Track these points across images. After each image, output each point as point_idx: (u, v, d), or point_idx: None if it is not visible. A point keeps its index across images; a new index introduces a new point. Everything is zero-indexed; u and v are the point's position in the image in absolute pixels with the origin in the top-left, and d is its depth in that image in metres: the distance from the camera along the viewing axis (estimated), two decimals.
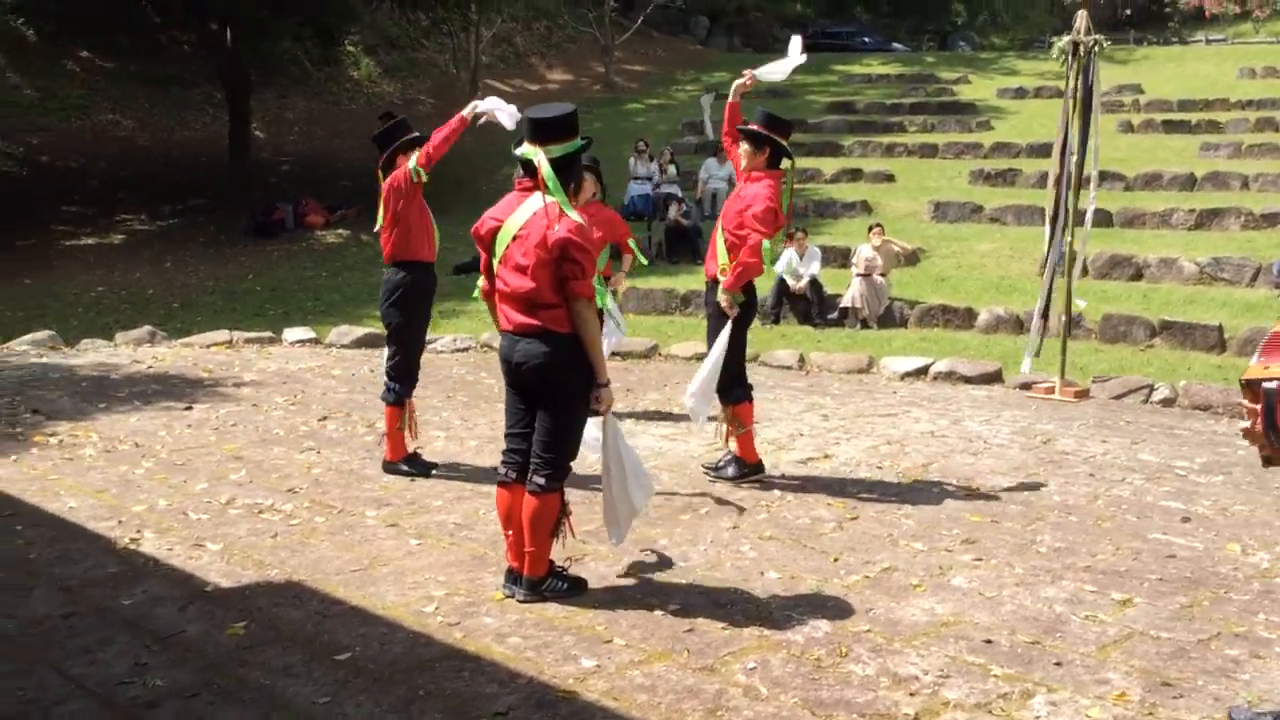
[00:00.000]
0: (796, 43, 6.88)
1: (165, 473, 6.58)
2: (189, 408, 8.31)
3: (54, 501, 5.96)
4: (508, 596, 4.65)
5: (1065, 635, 4.29)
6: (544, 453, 4.57)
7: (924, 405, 8.73)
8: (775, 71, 6.80)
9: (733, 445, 6.55)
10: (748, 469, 6.51)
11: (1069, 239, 9.39)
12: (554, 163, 4.48)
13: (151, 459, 6.87)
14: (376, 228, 6.60)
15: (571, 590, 4.69)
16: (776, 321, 13.47)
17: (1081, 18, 9.19)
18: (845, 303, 13.32)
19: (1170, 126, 22.14)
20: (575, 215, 4.44)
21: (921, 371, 10.05)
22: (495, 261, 4.63)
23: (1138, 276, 13.99)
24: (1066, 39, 9.31)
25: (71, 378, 9.40)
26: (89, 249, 19.13)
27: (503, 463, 4.74)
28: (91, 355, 10.64)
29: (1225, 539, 5.49)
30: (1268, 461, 3.36)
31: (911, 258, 15.12)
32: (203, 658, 4.09)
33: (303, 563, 5.08)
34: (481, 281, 4.95)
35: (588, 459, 5.02)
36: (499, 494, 4.73)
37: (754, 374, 10.07)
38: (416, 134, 6.61)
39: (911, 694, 3.79)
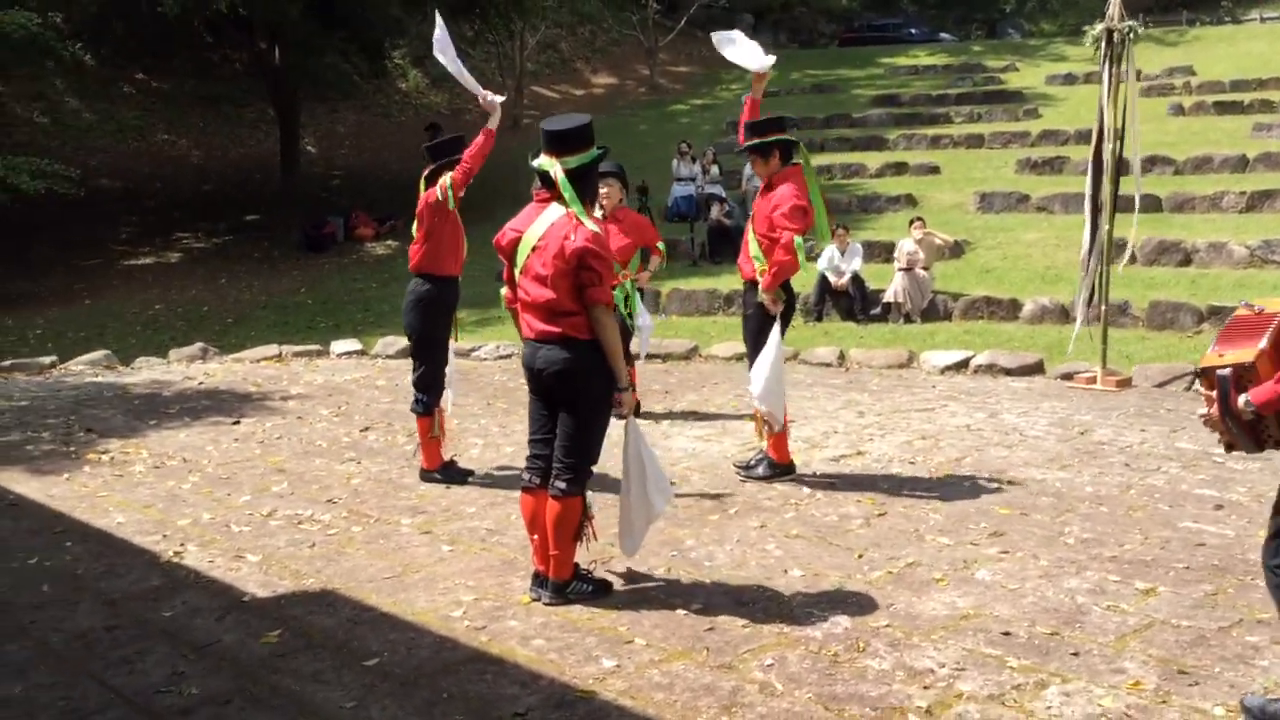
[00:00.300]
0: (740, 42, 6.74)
1: (210, 486, 6.77)
2: (236, 422, 8.52)
3: (102, 518, 6.16)
4: (534, 600, 4.75)
5: (1085, 626, 4.29)
6: (565, 457, 4.66)
7: (962, 399, 8.71)
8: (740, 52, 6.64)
9: (764, 444, 6.60)
10: (779, 469, 6.56)
11: (1107, 226, 9.29)
12: (570, 173, 4.57)
13: (198, 474, 7.06)
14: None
15: (596, 592, 4.77)
16: (819, 319, 13.48)
17: (1115, 4, 9.10)
18: (888, 298, 13.29)
19: (1222, 108, 21.77)
20: (591, 225, 4.51)
21: (962, 365, 10.01)
22: (517, 271, 4.73)
23: (1186, 262, 13.80)
24: (1100, 26, 9.21)
25: (125, 396, 9.67)
26: (147, 268, 19.59)
27: (526, 468, 4.83)
28: (145, 373, 10.92)
29: (1258, 525, 5.43)
30: (1229, 448, 3.37)
31: (955, 250, 15.03)
32: (237, 666, 4.23)
33: (338, 571, 5.21)
34: (505, 291, 5.05)
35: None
36: (523, 499, 4.83)
37: (793, 372, 10.14)
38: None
39: (925, 687, 3.83)
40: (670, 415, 8.42)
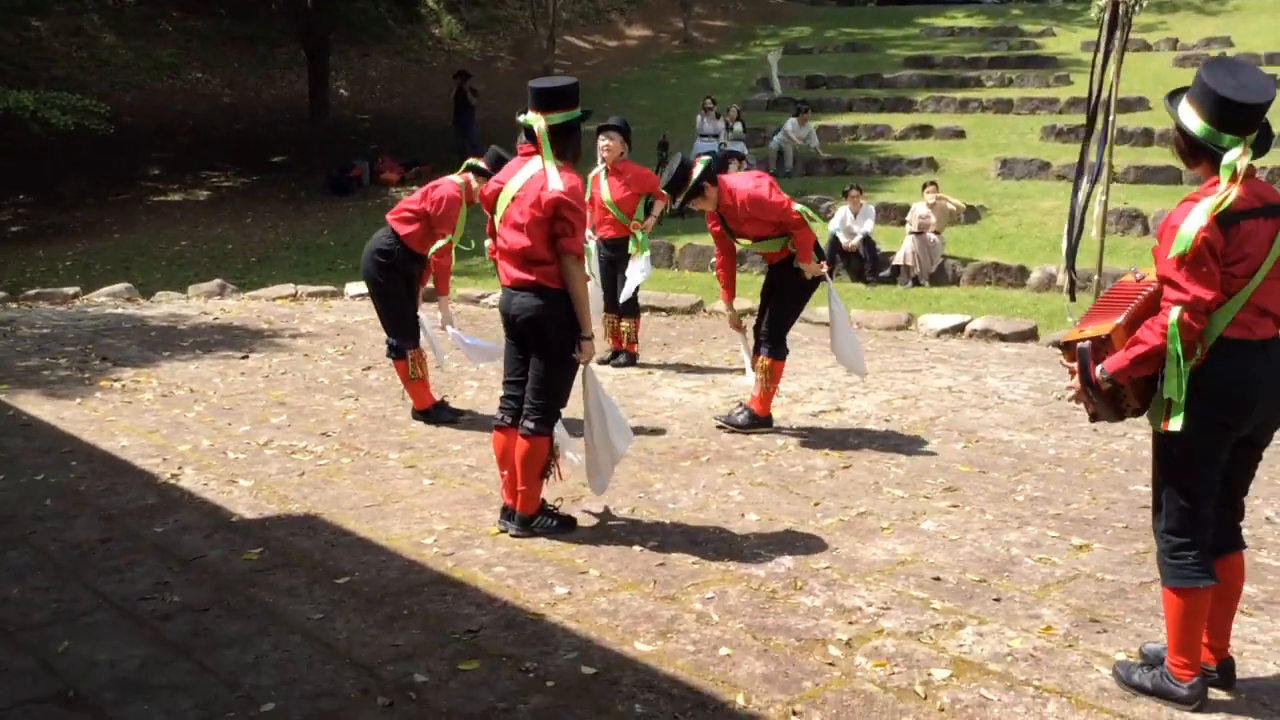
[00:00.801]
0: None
1: (213, 416, 7.09)
2: (245, 356, 8.85)
3: (108, 440, 6.50)
4: (501, 531, 5.04)
5: (1012, 575, 4.54)
6: (535, 399, 4.92)
7: (951, 362, 8.91)
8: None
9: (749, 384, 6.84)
10: (758, 421, 6.80)
11: (1103, 196, 9.40)
12: (553, 129, 4.80)
13: (203, 403, 7.39)
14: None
15: (561, 528, 5.06)
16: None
17: None
18: (897, 260, 13.43)
19: None
20: (562, 181, 4.73)
21: (958, 329, 10.19)
22: (497, 220, 4.97)
23: None
24: None
25: (142, 328, 10.02)
26: (175, 205, 19.95)
27: (500, 408, 5.11)
28: (164, 307, 11.28)
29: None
30: (1094, 418, 3.58)
31: (970, 215, 15.12)
32: (218, 579, 4.55)
33: (322, 499, 5.52)
34: (489, 242, 5.30)
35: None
36: (495, 436, 5.11)
37: (792, 330, 10.34)
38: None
39: (851, 622, 4.09)
40: (664, 366, 8.67)
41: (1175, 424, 3.30)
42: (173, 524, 5.16)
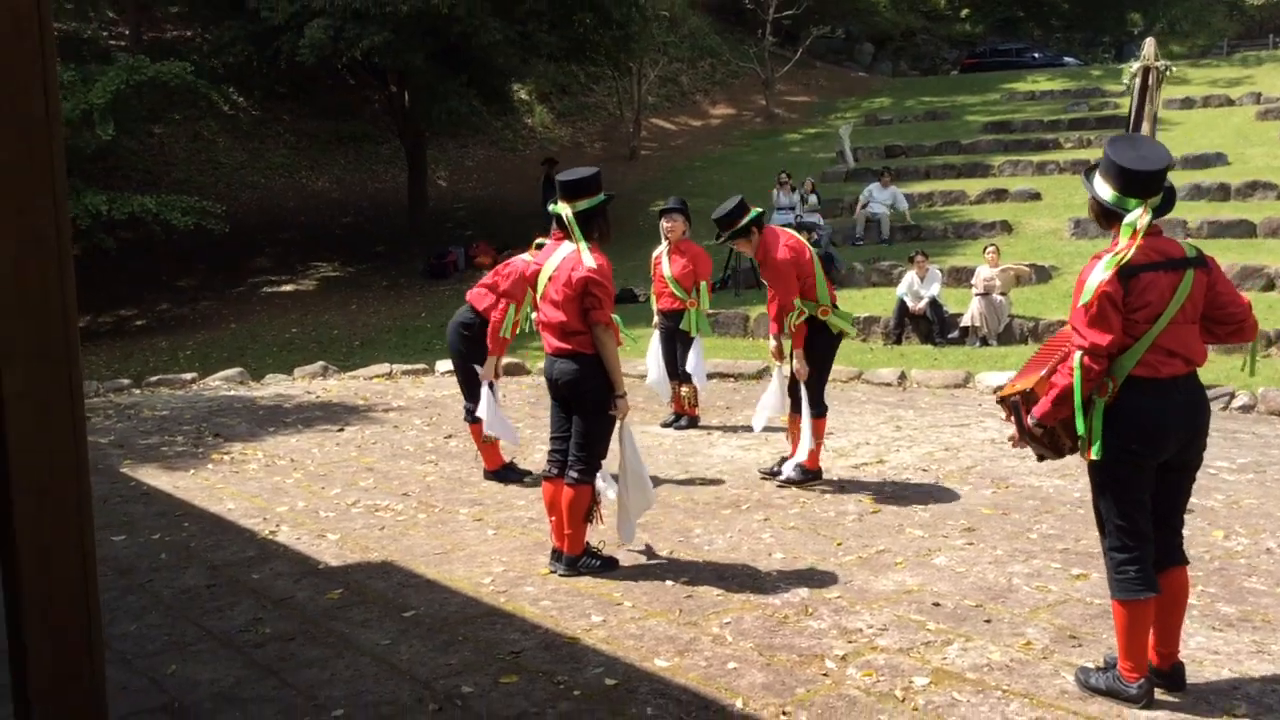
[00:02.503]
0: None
1: (309, 481, 7.87)
2: (341, 429, 9.67)
3: (217, 505, 7.30)
4: (551, 572, 5.65)
5: (1008, 601, 4.99)
6: (578, 451, 5.56)
7: (1001, 416, 9.29)
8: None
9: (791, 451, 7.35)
10: (809, 474, 7.29)
11: None
12: (579, 215, 5.51)
13: (301, 471, 8.19)
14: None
15: (603, 567, 5.65)
16: (899, 342, 14.09)
17: (1150, 44, 9.62)
18: (965, 321, 13.83)
19: None
20: (591, 260, 5.41)
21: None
22: (538, 298, 5.67)
23: (1270, 287, 13.97)
24: (1137, 65, 9.74)
25: (251, 407, 10.95)
26: (286, 295, 21.25)
27: (548, 460, 5.76)
28: (272, 388, 12.24)
29: (1214, 527, 6.01)
30: (1041, 458, 4.09)
31: (1040, 274, 15.46)
32: (303, 615, 5.23)
33: (398, 548, 6.20)
34: (534, 314, 5.99)
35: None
36: (544, 486, 5.75)
37: (852, 390, 10.87)
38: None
39: (850, 641, 4.59)
40: (724, 427, 9.24)
41: (1095, 453, 3.80)
42: (268, 571, 5.89)
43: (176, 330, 19.15)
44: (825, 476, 7.38)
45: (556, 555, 5.70)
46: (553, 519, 5.73)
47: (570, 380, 5.49)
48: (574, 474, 5.55)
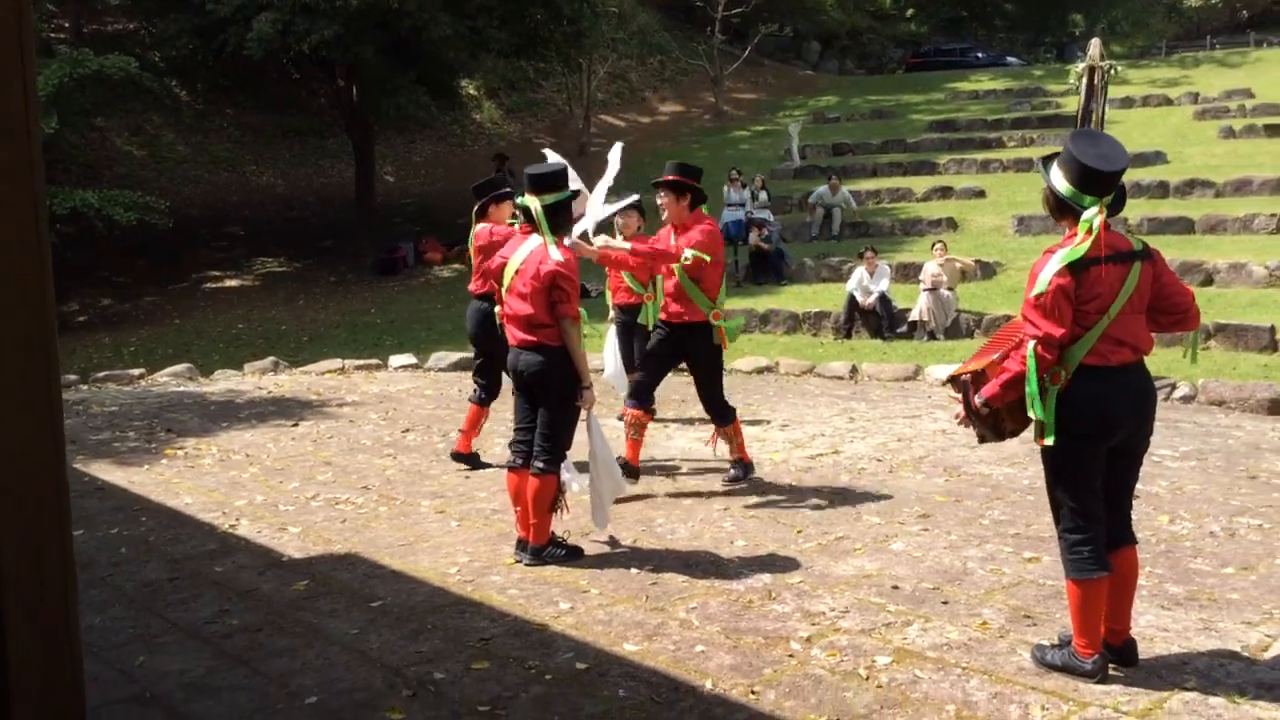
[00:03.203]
0: (616, 151, 7.15)
1: (266, 476, 7.84)
2: (296, 424, 9.64)
3: (174, 499, 7.26)
4: (517, 561, 5.70)
5: (964, 583, 5.12)
6: (543, 442, 5.62)
7: (950, 407, 9.47)
8: (596, 207, 6.87)
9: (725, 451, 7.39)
10: (747, 467, 7.36)
11: None
12: (547, 209, 5.57)
13: (257, 465, 8.16)
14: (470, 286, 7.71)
15: (569, 556, 5.71)
16: (848, 336, 14.29)
17: (1095, 44, 9.85)
18: (913, 316, 14.05)
19: (1272, 130, 22.06)
20: (558, 253, 5.47)
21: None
22: (504, 290, 5.71)
23: (1208, 282, 14.33)
24: (1083, 64, 9.96)
25: (202, 403, 10.87)
26: (232, 290, 21.06)
27: (512, 452, 5.80)
28: (222, 384, 12.15)
29: (1160, 512, 6.20)
30: (982, 439, 4.23)
31: (985, 270, 15.73)
32: (270, 606, 5.24)
33: (361, 540, 6.22)
34: (498, 308, 6.04)
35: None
36: (509, 477, 5.80)
37: (805, 384, 11.01)
38: (508, 189, 7.76)
39: (813, 624, 4.70)
40: (681, 420, 9.33)
41: (1049, 439, 3.94)
42: (231, 565, 5.88)
43: (120, 326, 18.91)
44: (783, 467, 7.49)
45: (522, 545, 5.74)
46: (517, 509, 5.78)
47: (536, 372, 5.54)
48: (539, 464, 5.61)
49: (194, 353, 15.73)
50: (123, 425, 9.80)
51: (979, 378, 4.12)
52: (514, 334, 5.66)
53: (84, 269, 21.06)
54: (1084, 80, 9.70)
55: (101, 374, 12.84)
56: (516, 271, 5.60)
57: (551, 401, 5.59)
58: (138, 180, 23.89)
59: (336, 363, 12.96)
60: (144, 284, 21.19)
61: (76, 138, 23.67)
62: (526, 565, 5.65)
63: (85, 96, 20.36)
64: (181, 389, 11.85)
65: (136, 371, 12.91)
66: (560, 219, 5.63)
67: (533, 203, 5.58)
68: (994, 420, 4.11)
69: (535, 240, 5.60)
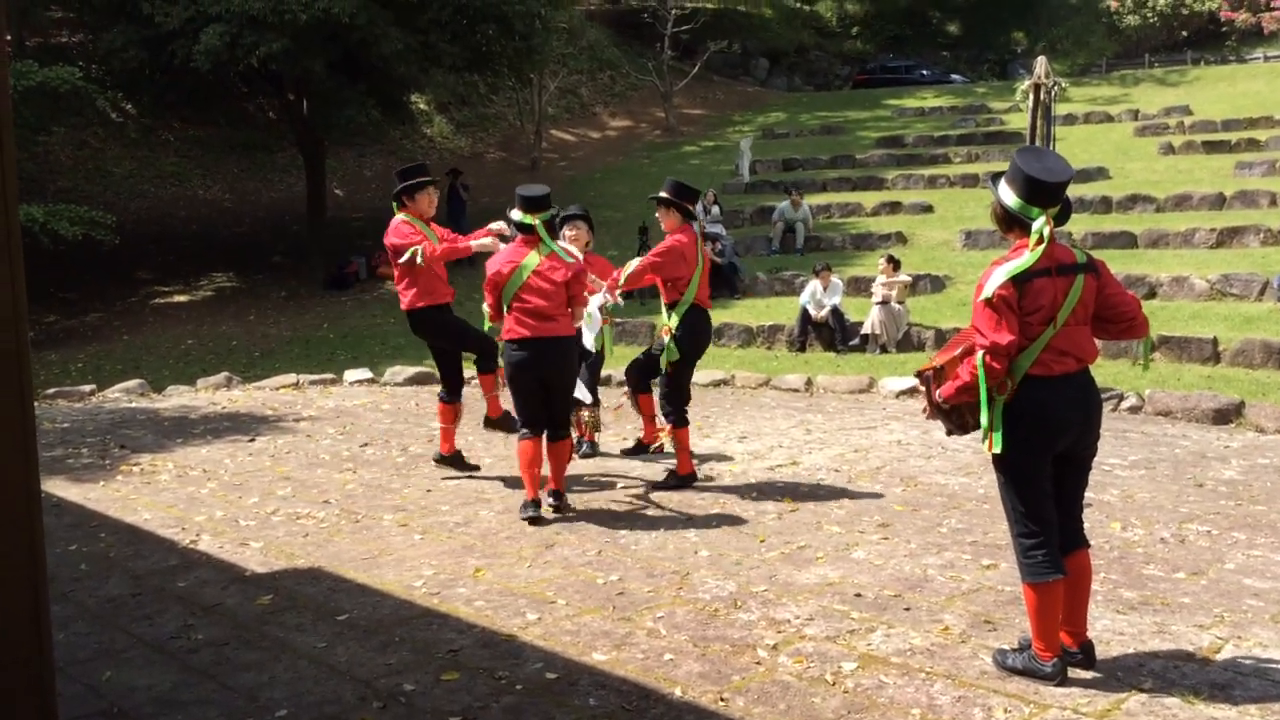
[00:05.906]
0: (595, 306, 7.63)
1: (225, 491, 7.80)
2: (252, 439, 9.58)
3: (132, 515, 7.20)
4: (553, 507, 6.64)
5: (924, 590, 5.23)
6: (563, 414, 6.84)
7: (905, 419, 9.63)
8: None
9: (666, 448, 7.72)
10: (681, 480, 7.45)
11: None
12: (546, 224, 6.62)
13: (215, 481, 8.10)
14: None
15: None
16: (802, 349, 14.43)
17: (1041, 63, 10.07)
18: (865, 330, 14.23)
19: (1210, 147, 22.58)
20: (570, 259, 6.58)
21: (915, 390, 10.91)
22: (513, 290, 6.52)
23: (1151, 295, 14.63)
24: (1028, 82, 10.18)
25: (156, 419, 10.76)
26: (181, 306, 20.84)
27: (525, 427, 6.75)
28: (175, 400, 12.03)
29: (1112, 519, 6.35)
30: (949, 432, 4.35)
31: (935, 284, 15.97)
32: (235, 620, 5.22)
33: (325, 554, 6.21)
34: (488, 311, 6.79)
35: None
36: (523, 445, 6.69)
37: (761, 396, 11.11)
38: (427, 179, 7.57)
39: (779, 631, 4.77)
40: (616, 435, 9.38)
41: (996, 446, 4.05)
42: (193, 580, 5.85)
43: (66, 343, 18.64)
44: (743, 479, 7.58)
45: (554, 494, 6.78)
46: (533, 471, 6.58)
47: (565, 361, 6.69)
48: (563, 431, 6.83)
49: (144, 369, 15.54)
50: (76, 442, 9.68)
51: (939, 374, 4.23)
52: (538, 326, 6.51)
53: (29, 285, 20.68)
54: (1030, 98, 9.89)
55: (51, 390, 12.66)
56: (535, 272, 6.53)
57: (570, 381, 6.84)
58: (82, 195, 23.59)
59: (291, 378, 12.88)
60: (91, 300, 20.91)
61: (20, 152, 23.25)
62: (551, 507, 6.71)
63: (29, 110, 20.05)
64: (134, 405, 11.72)
65: (88, 388, 12.75)
66: (555, 232, 6.75)
67: (535, 220, 6.54)
68: (957, 415, 4.23)
69: (544, 248, 6.59)
